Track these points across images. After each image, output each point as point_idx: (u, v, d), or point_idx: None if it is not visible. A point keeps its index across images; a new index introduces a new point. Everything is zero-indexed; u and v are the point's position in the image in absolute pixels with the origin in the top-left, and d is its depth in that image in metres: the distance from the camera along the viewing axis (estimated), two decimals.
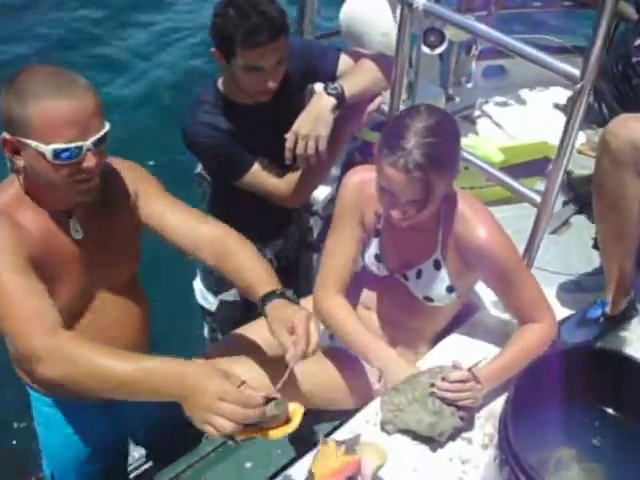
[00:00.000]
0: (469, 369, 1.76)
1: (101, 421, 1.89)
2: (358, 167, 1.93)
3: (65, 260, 1.59)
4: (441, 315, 1.98)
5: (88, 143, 1.44)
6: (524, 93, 3.23)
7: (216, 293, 2.65)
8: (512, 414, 1.42)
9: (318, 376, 1.94)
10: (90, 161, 1.46)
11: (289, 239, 2.62)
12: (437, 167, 1.59)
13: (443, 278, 1.84)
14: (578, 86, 1.68)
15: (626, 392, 1.56)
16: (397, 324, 1.99)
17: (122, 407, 1.73)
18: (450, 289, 1.85)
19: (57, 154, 1.41)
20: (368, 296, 2.03)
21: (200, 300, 2.73)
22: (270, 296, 1.59)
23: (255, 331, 2.09)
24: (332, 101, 2.06)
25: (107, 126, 1.49)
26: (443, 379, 1.72)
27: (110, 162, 1.65)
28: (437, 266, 1.83)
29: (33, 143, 1.41)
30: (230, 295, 2.63)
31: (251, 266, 1.69)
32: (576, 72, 1.68)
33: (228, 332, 2.28)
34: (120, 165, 1.73)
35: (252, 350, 2.02)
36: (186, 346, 3.35)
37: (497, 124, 2.98)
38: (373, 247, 1.92)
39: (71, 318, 1.62)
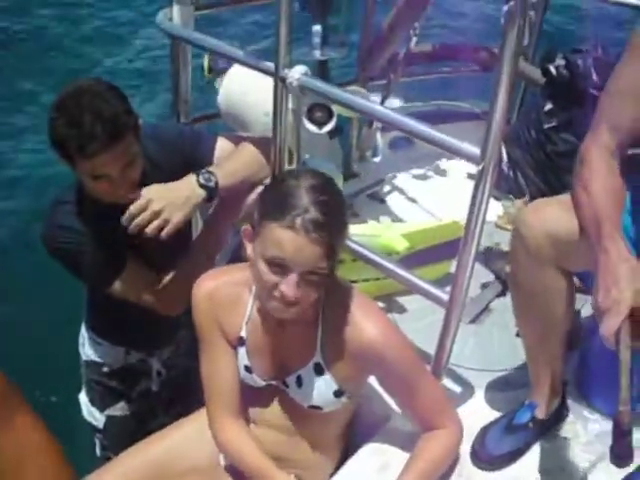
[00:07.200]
0: None
1: None
2: (203, 277, 1.68)
3: None
4: (335, 420, 1.73)
5: None
6: (436, 163, 3.02)
7: (102, 408, 2.32)
8: None
9: None
10: None
11: (180, 345, 2.31)
12: (337, 224, 1.41)
13: (328, 383, 1.59)
14: (480, 167, 1.45)
15: None
16: (287, 435, 1.73)
17: None
18: (339, 393, 1.61)
19: None
20: (252, 410, 1.77)
21: (86, 416, 2.39)
22: None
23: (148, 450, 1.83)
24: (201, 195, 1.79)
25: None
26: None
27: None
28: (319, 371, 1.58)
29: None
30: (117, 410, 2.32)
31: None
32: (476, 151, 1.45)
33: (121, 450, 1.92)
34: None
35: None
36: (78, 468, 2.99)
37: (411, 200, 2.75)
38: (241, 358, 1.66)
39: None
